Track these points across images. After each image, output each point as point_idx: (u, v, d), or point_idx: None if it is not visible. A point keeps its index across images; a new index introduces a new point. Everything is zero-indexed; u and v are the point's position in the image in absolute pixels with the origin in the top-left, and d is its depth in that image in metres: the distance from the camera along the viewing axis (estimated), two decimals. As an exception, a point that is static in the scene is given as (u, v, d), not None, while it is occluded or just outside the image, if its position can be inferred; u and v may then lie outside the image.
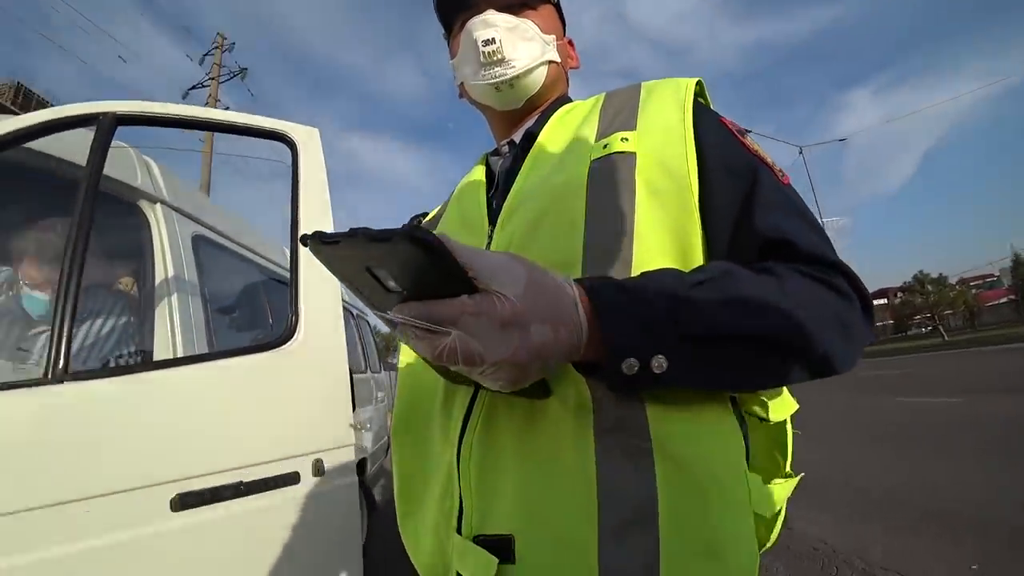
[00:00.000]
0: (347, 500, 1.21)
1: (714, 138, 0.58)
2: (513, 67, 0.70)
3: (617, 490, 0.48)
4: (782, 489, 0.60)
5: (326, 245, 0.37)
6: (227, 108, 14.22)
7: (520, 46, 0.71)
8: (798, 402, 0.66)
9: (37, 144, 1.22)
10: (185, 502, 1.01)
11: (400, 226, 0.35)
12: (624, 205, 0.55)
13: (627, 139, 0.59)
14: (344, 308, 1.47)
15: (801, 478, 0.66)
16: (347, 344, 1.33)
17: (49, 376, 0.96)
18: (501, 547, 0.52)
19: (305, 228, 1.31)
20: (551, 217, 0.58)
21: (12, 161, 1.20)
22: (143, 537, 0.97)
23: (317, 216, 1.35)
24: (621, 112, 0.64)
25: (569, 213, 0.57)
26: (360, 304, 4.82)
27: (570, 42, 0.81)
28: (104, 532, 0.94)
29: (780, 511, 0.62)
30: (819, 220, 0.58)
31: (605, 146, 0.59)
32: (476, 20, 0.70)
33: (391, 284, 0.39)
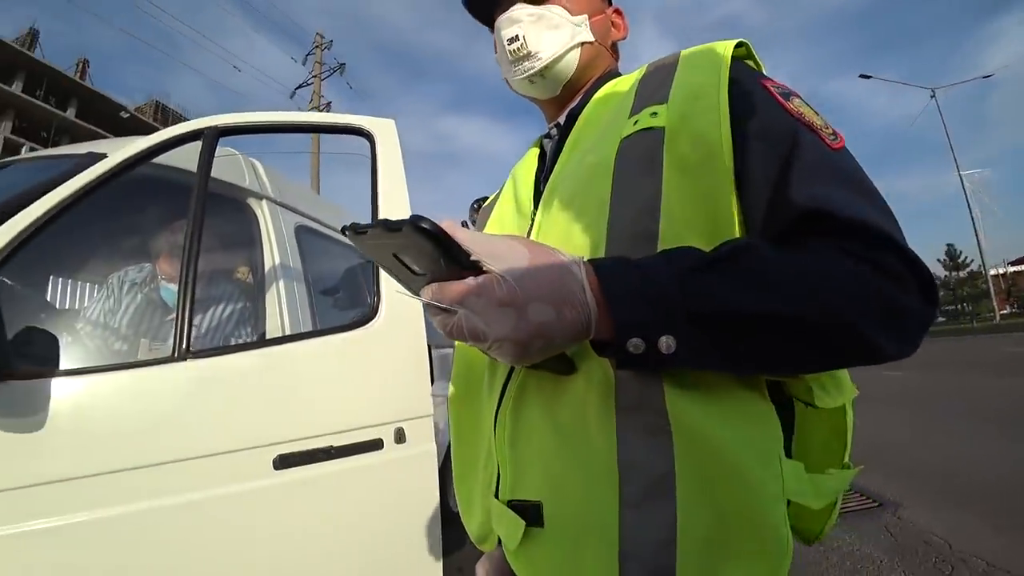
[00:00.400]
0: (426, 465, 1.33)
1: (749, 102, 0.54)
2: (540, 59, 0.71)
3: (635, 463, 0.49)
4: (835, 480, 0.58)
5: (358, 235, 0.42)
6: (329, 103, 15.08)
7: (545, 36, 0.70)
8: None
9: (163, 159, 1.41)
10: (285, 462, 1.17)
11: (410, 216, 0.39)
12: (651, 182, 0.54)
13: (656, 113, 0.57)
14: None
15: (859, 470, 0.63)
16: (429, 320, 1.43)
17: (174, 356, 1.15)
18: (531, 512, 0.55)
19: (384, 213, 1.41)
20: (579, 199, 0.59)
21: (143, 175, 1.41)
22: (251, 490, 1.15)
23: (395, 201, 1.44)
24: (656, 85, 0.61)
25: (596, 194, 0.57)
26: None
27: (617, 11, 0.79)
28: (219, 485, 1.12)
29: (834, 503, 0.61)
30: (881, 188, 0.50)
31: (636, 122, 0.58)
32: (503, 18, 0.72)
33: (415, 268, 0.44)
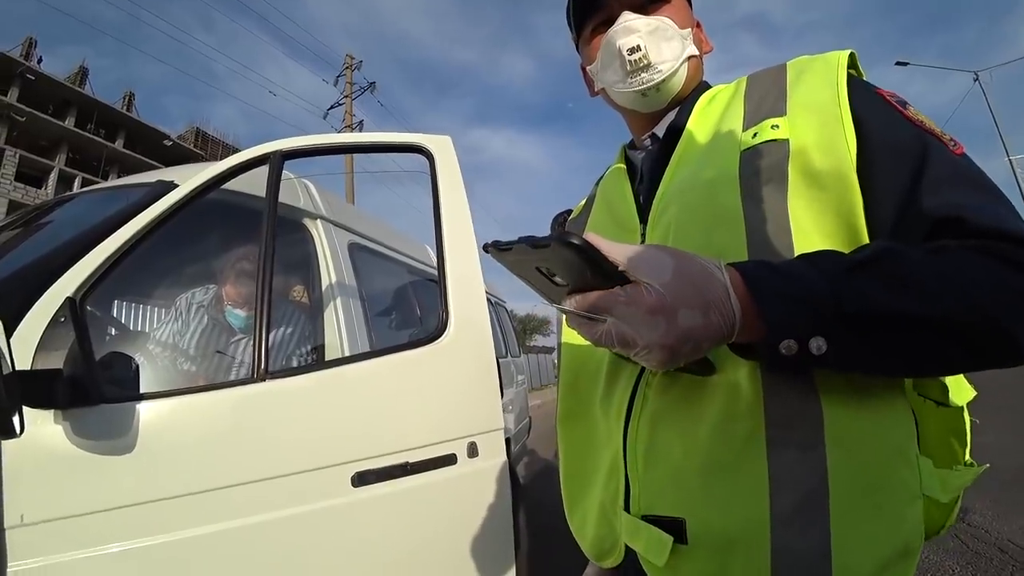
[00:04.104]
0: (498, 479, 1.32)
1: (874, 114, 0.54)
2: (659, 71, 0.69)
3: (786, 478, 0.49)
4: (959, 477, 0.57)
5: (501, 252, 0.45)
6: (361, 121, 15.33)
7: (663, 48, 0.69)
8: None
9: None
10: (363, 479, 1.18)
11: (554, 232, 0.43)
12: (779, 194, 0.54)
13: (777, 126, 0.57)
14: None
15: (985, 469, 0.62)
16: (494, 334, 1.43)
17: (254, 376, 1.18)
18: (672, 528, 0.55)
19: (448, 229, 1.42)
20: (705, 212, 0.59)
21: (206, 200, 1.44)
22: (331, 507, 1.16)
23: (458, 216, 1.45)
24: (767, 97, 0.61)
25: (724, 207, 0.57)
26: (499, 293, 5.07)
27: (698, 24, 0.78)
28: (300, 503, 1.15)
29: (957, 498, 0.61)
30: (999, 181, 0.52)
31: (755, 135, 0.58)
32: (618, 28, 0.69)
33: (557, 280, 0.46)
